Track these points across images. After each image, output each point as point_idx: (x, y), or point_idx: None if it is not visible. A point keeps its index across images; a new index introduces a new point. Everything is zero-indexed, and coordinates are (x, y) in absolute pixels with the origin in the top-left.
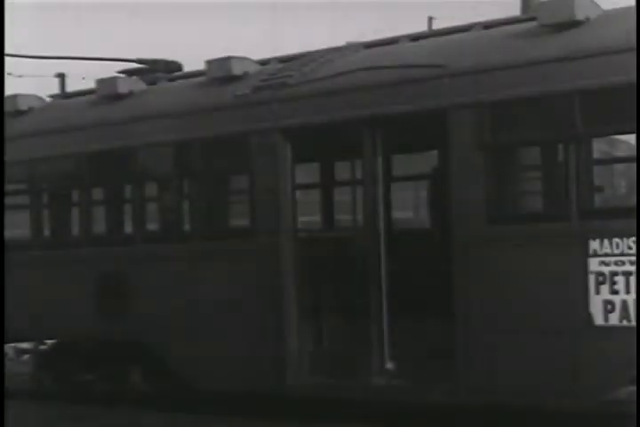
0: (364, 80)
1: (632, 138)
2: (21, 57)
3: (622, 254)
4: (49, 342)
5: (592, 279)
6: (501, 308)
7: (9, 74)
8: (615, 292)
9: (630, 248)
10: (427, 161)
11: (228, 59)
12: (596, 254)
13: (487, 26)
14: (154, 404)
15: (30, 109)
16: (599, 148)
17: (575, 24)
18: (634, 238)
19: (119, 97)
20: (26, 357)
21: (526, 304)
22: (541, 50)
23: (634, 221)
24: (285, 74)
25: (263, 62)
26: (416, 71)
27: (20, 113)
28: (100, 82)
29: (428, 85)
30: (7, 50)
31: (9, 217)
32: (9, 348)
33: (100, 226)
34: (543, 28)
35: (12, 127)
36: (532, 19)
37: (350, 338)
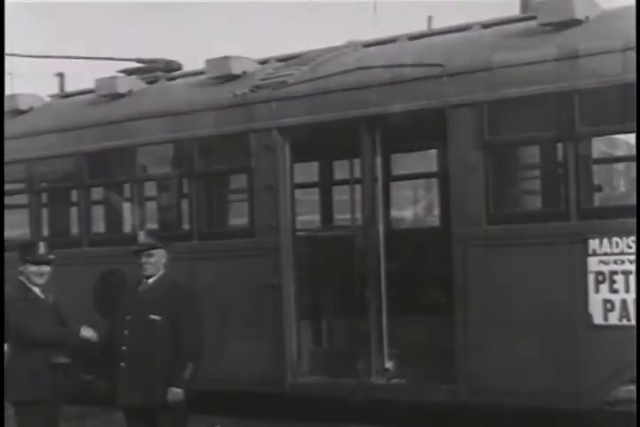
0: (362, 79)
1: (631, 137)
2: (21, 56)
3: (622, 253)
4: None
5: (591, 278)
6: (501, 307)
7: (9, 74)
8: (615, 291)
9: (630, 247)
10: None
11: (228, 58)
12: (595, 253)
13: (486, 25)
14: None
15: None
16: (598, 147)
17: (574, 23)
18: (633, 237)
19: (118, 96)
20: None
21: (526, 304)
22: (541, 49)
23: (633, 220)
24: (284, 73)
25: (262, 62)
26: (415, 70)
27: (19, 112)
28: (100, 81)
29: (427, 84)
30: (7, 49)
31: (8, 217)
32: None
33: (98, 225)
34: (542, 28)
35: (11, 127)
36: (532, 18)
37: (350, 337)
